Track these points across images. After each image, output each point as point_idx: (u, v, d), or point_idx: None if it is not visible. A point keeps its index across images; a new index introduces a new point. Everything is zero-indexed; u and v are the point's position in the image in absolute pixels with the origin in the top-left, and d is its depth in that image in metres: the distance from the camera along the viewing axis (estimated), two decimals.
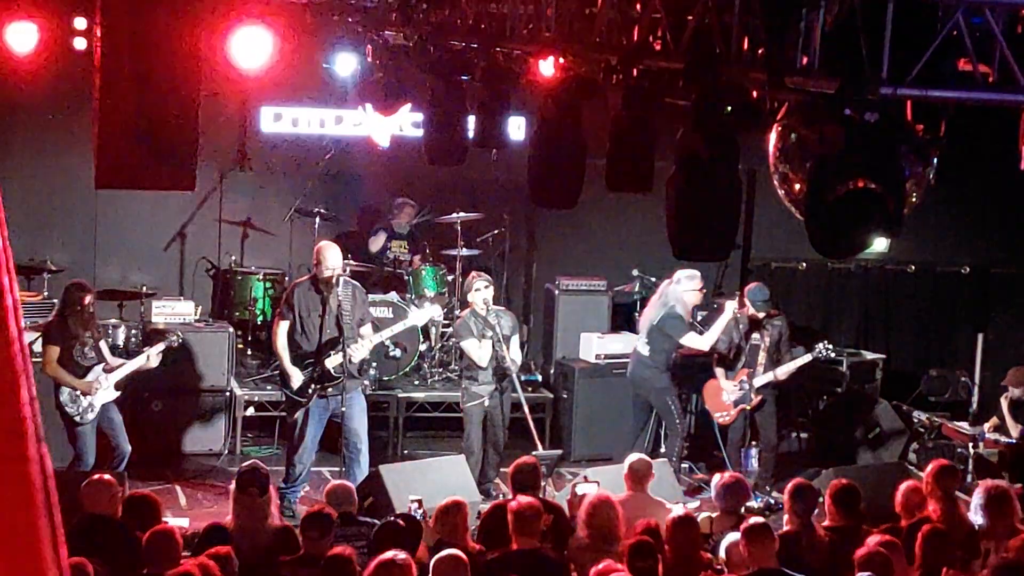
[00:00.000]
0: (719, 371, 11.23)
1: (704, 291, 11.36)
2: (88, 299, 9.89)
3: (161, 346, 10.21)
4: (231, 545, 6.95)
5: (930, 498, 8.02)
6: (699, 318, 11.88)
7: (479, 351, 10.65)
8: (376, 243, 13.18)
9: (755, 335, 11.11)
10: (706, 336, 11.09)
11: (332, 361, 10.11)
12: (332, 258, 10.14)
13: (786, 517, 7.86)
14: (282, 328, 10.26)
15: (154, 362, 10.12)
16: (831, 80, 5.31)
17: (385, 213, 13.40)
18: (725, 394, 11.18)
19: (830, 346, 11.18)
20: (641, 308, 12.68)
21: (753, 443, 11.40)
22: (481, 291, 10.68)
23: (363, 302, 10.48)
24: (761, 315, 11.11)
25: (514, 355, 10.74)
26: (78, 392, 9.76)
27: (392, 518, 7.57)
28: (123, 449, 9.94)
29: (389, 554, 6.24)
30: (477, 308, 10.70)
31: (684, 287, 11.10)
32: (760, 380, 11.05)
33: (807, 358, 11.10)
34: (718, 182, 5.97)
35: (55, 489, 1.61)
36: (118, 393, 9.98)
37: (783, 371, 11.03)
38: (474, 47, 8.72)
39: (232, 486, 7.60)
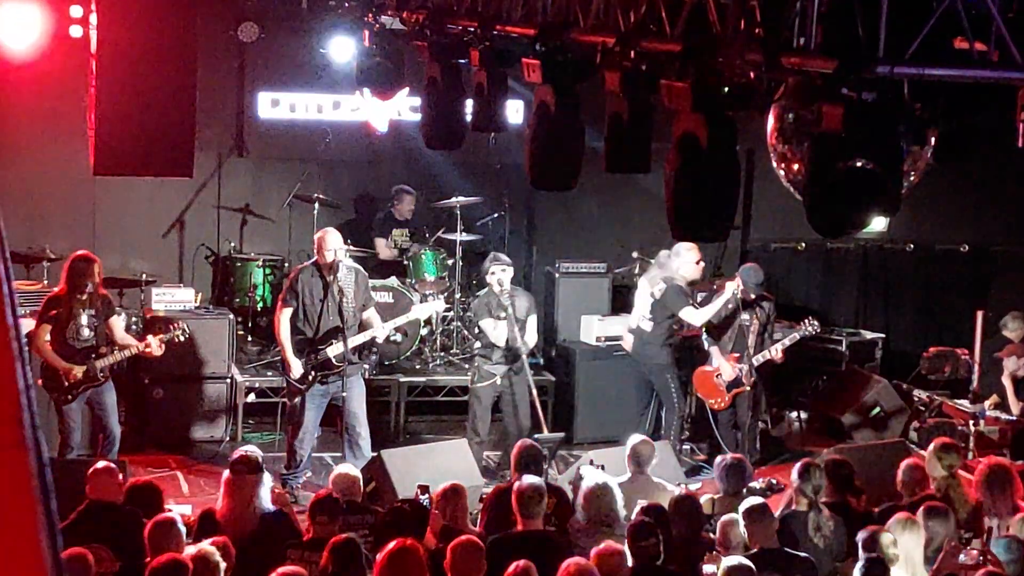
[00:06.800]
0: (714, 349, 11.19)
1: (702, 264, 11.32)
2: (91, 275, 9.61)
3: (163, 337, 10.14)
4: (219, 530, 6.94)
5: (931, 476, 8.05)
6: (698, 298, 11.86)
7: (495, 331, 10.72)
8: (383, 249, 13.13)
9: (745, 315, 11.11)
10: (702, 311, 11.09)
11: (333, 350, 10.11)
12: (333, 243, 10.15)
13: (792, 495, 7.87)
14: (285, 315, 10.24)
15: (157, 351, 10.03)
16: (828, 60, 5.30)
17: (384, 205, 13.33)
18: (720, 378, 11.16)
19: (815, 322, 11.18)
20: None
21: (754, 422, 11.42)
22: (496, 274, 10.76)
23: (366, 288, 10.48)
24: (753, 296, 11.11)
25: (529, 337, 10.86)
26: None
27: (398, 504, 7.57)
28: (113, 432, 9.82)
29: (399, 542, 6.20)
30: (494, 288, 10.76)
31: (684, 259, 11.10)
32: (756, 360, 11.05)
33: (796, 336, 11.09)
34: (716, 163, 5.96)
35: (51, 477, 1.61)
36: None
37: (778, 349, 11.02)
38: (472, 30, 8.70)
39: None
